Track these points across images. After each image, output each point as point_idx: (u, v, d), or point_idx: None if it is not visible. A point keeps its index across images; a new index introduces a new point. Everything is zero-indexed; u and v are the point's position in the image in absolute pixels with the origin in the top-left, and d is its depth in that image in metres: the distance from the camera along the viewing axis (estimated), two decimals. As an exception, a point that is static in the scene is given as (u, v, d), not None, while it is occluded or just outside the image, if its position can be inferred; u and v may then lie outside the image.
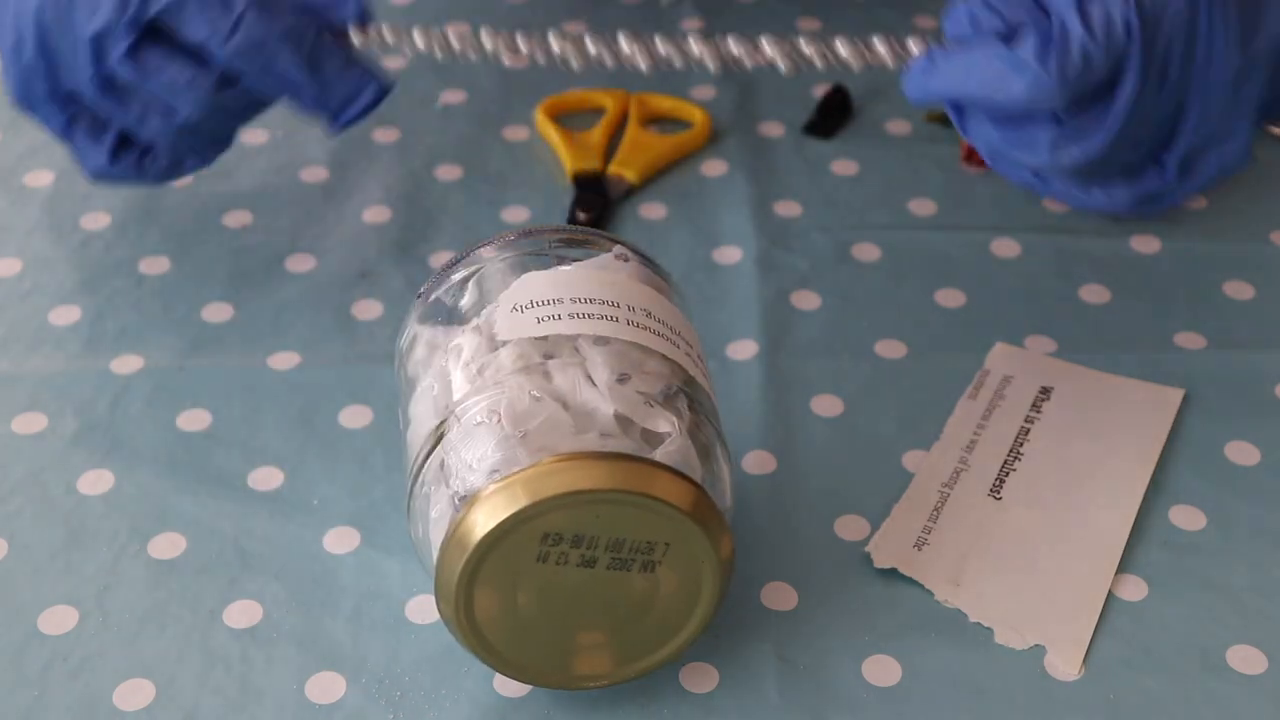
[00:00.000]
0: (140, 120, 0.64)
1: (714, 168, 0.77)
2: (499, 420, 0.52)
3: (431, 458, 0.54)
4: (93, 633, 0.57)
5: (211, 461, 0.63)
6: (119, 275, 0.71)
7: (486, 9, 0.86)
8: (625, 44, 0.64)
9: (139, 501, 0.62)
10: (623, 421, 0.53)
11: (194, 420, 0.65)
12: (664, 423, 0.53)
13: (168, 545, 0.60)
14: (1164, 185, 0.59)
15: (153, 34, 0.63)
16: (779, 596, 0.59)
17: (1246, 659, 0.57)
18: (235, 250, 0.72)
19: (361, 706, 0.55)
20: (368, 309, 0.70)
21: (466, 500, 0.52)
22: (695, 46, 0.63)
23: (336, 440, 0.64)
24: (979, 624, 0.58)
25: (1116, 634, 0.58)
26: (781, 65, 0.62)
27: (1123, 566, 0.60)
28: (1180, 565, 0.60)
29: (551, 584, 0.52)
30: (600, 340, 0.54)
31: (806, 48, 0.62)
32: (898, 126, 0.80)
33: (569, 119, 0.79)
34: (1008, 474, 0.63)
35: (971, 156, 0.77)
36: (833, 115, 0.80)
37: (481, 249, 0.58)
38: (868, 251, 0.73)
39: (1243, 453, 0.64)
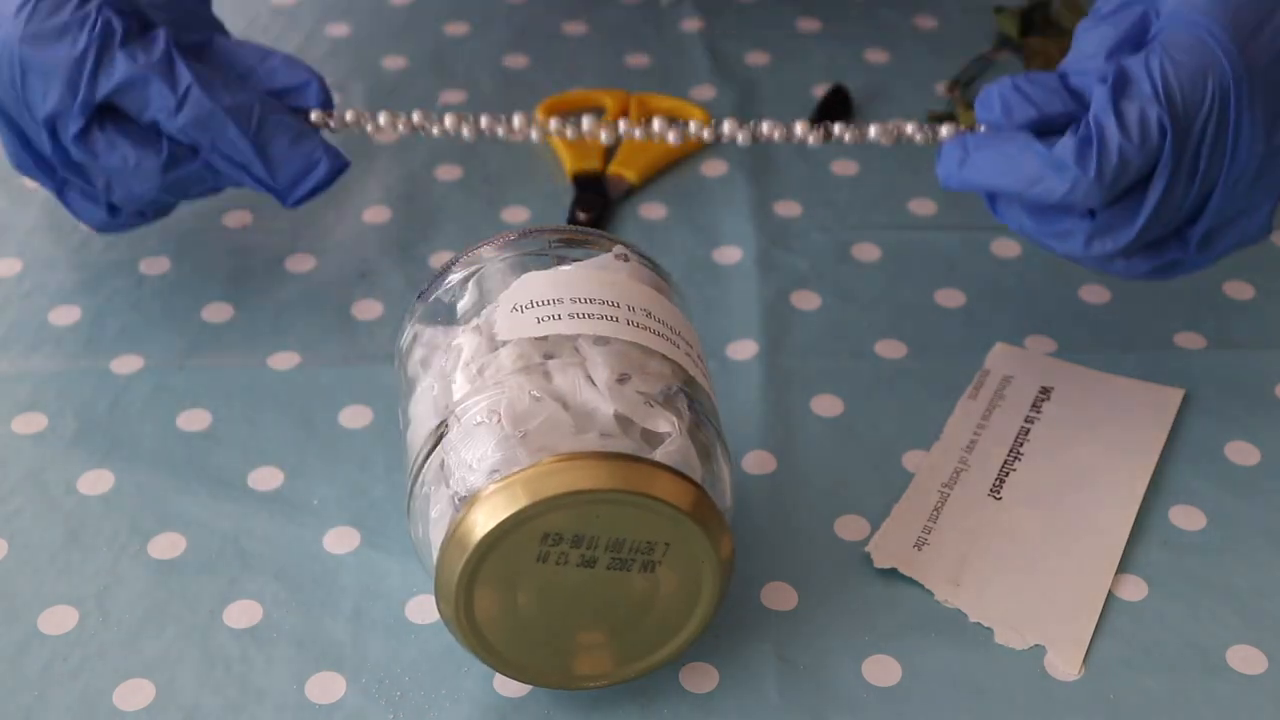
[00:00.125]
0: (107, 191, 0.64)
1: (714, 168, 0.77)
2: (499, 420, 0.52)
3: (431, 458, 0.54)
4: (93, 633, 0.57)
5: (211, 461, 0.63)
6: (119, 275, 0.71)
7: (487, 9, 0.86)
8: (614, 128, 0.64)
9: (139, 501, 0.62)
10: (623, 421, 0.53)
11: (194, 420, 0.65)
12: (664, 423, 0.53)
13: (168, 545, 0.60)
14: (1184, 256, 0.60)
15: (107, 112, 0.63)
16: (779, 596, 0.59)
17: (1246, 659, 0.57)
18: (235, 250, 0.72)
19: (361, 706, 0.55)
20: (368, 309, 0.70)
21: (466, 500, 0.52)
22: (728, 127, 0.63)
23: (336, 440, 0.64)
24: (979, 624, 0.58)
25: (1116, 634, 0.58)
26: (811, 139, 0.63)
27: (1123, 566, 0.60)
28: (1180, 565, 0.60)
29: (551, 584, 0.52)
30: (600, 340, 0.54)
31: (838, 129, 0.63)
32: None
33: (569, 119, 0.79)
34: (1008, 474, 0.63)
35: (971, 156, 0.77)
36: (833, 115, 0.80)
37: (481, 249, 0.58)
38: (868, 251, 0.73)
39: (1243, 453, 0.64)
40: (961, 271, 0.72)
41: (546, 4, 0.87)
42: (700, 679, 0.56)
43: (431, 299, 0.58)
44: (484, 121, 0.64)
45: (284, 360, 0.67)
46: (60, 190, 0.65)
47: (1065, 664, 0.57)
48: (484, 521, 0.51)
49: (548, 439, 0.52)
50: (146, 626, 0.58)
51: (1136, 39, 0.60)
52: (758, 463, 0.63)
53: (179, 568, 0.59)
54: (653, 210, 0.75)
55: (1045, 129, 0.59)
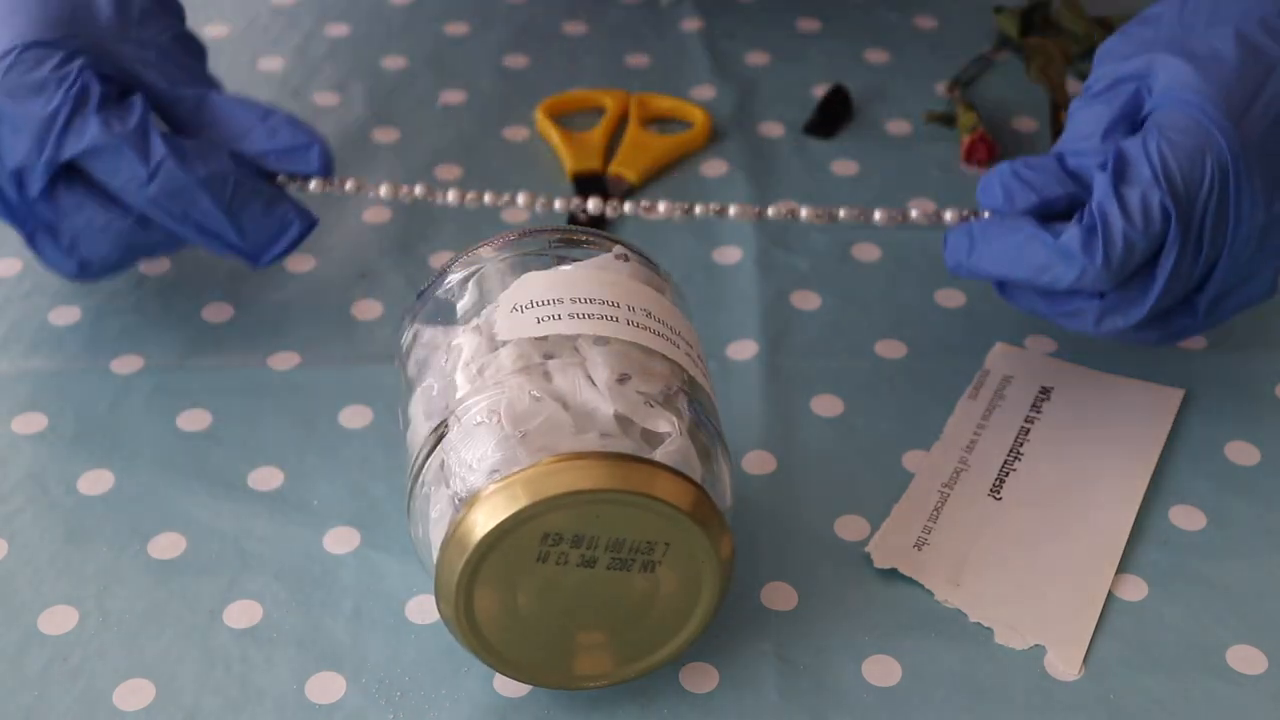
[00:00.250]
0: (73, 248, 0.64)
1: (714, 168, 0.77)
2: (499, 420, 0.52)
3: (431, 458, 0.54)
4: (93, 633, 0.57)
5: (211, 461, 0.63)
6: (119, 275, 0.71)
7: (487, 9, 0.86)
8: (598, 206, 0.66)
9: (139, 501, 0.62)
10: (623, 421, 0.53)
11: (194, 420, 0.65)
12: (664, 423, 0.53)
13: (168, 545, 0.60)
14: (1193, 323, 0.61)
15: (76, 173, 0.62)
16: (779, 596, 0.59)
17: (1246, 659, 0.57)
18: (235, 250, 0.72)
19: (361, 706, 0.55)
20: (368, 309, 0.70)
21: (466, 500, 0.52)
22: (734, 209, 0.64)
23: (336, 440, 0.64)
24: (979, 624, 0.58)
25: (1116, 634, 0.58)
26: (816, 220, 0.64)
27: (1123, 566, 0.60)
28: (1180, 565, 0.60)
29: (551, 584, 0.52)
30: (600, 340, 0.54)
31: (844, 211, 0.64)
32: (898, 126, 0.80)
33: (569, 119, 0.79)
34: (1008, 474, 0.63)
35: (971, 156, 0.77)
36: (833, 115, 0.80)
37: (481, 249, 0.58)
38: (868, 251, 0.73)
39: (1243, 453, 0.64)
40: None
41: (546, 4, 0.87)
42: (700, 679, 0.56)
43: (431, 299, 0.58)
44: (487, 197, 0.65)
45: (284, 360, 0.67)
46: (30, 239, 0.65)
47: (1065, 664, 0.57)
48: (484, 521, 0.51)
49: (548, 439, 0.52)
50: (146, 626, 0.58)
51: (1131, 116, 0.60)
52: (758, 463, 0.63)
53: (179, 568, 0.59)
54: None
55: (1047, 212, 0.60)
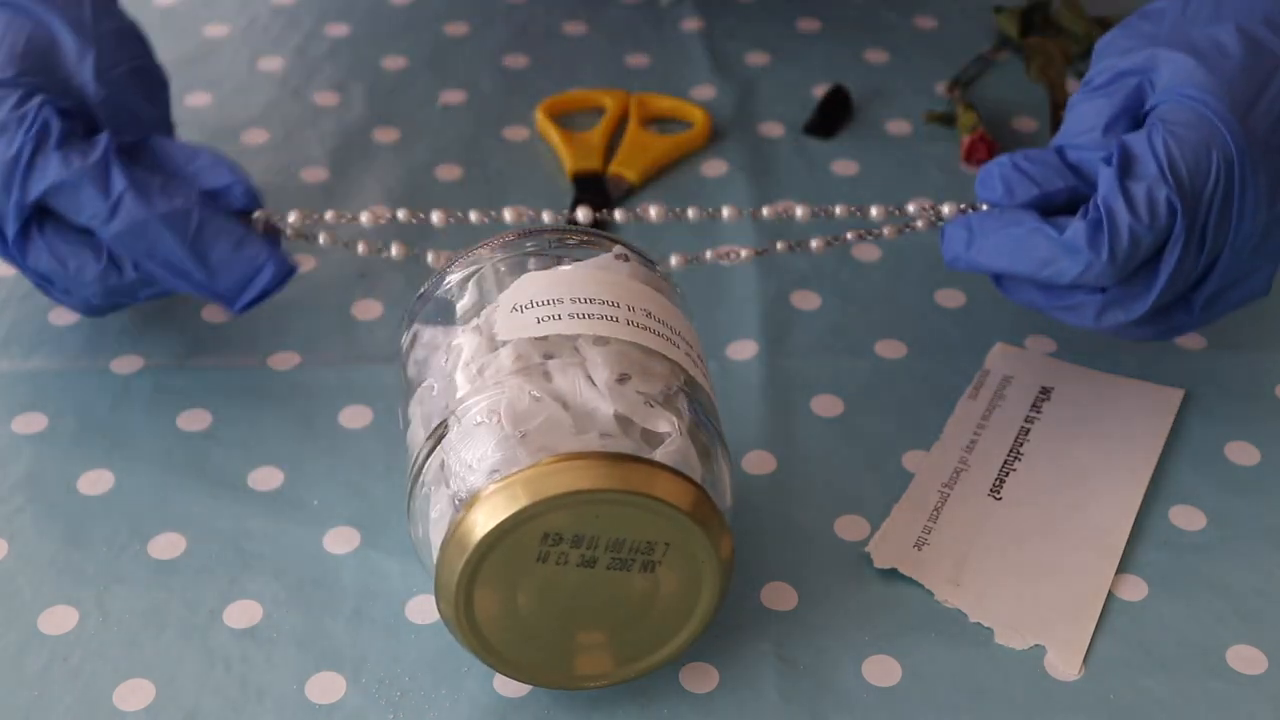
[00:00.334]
0: (67, 291, 0.63)
1: (714, 168, 0.77)
2: (499, 420, 0.52)
3: (431, 458, 0.54)
4: (93, 633, 0.57)
5: (211, 461, 0.63)
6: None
7: (487, 9, 0.86)
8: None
9: (139, 501, 0.62)
10: (623, 421, 0.53)
11: (194, 420, 0.65)
12: (664, 423, 0.53)
13: (168, 545, 0.60)
14: (1189, 319, 0.61)
15: (47, 215, 0.61)
16: (779, 596, 0.59)
17: (1246, 659, 0.57)
18: (235, 250, 0.72)
19: (361, 706, 0.55)
20: (368, 309, 0.70)
21: (466, 500, 0.52)
22: (727, 211, 0.64)
23: (336, 440, 0.64)
24: (979, 624, 0.58)
25: (1116, 634, 0.58)
26: (815, 246, 0.63)
27: (1123, 566, 0.60)
28: (1180, 565, 0.60)
29: (551, 584, 0.52)
30: (600, 340, 0.54)
31: (839, 210, 0.63)
32: (898, 126, 0.80)
33: (569, 119, 0.79)
34: (1008, 474, 0.63)
35: (971, 156, 0.77)
36: (833, 115, 0.80)
37: (481, 249, 0.58)
38: (868, 251, 0.73)
39: (1243, 453, 0.64)
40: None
41: (546, 4, 0.87)
42: (700, 679, 0.56)
43: (431, 299, 0.58)
44: (473, 215, 0.63)
45: (284, 360, 0.67)
46: (36, 283, 0.64)
47: (1065, 664, 0.57)
48: (484, 521, 0.51)
49: (548, 439, 0.52)
50: (146, 626, 0.58)
51: (1133, 111, 0.60)
52: (758, 463, 0.63)
53: (179, 568, 0.59)
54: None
55: (1046, 206, 0.59)
